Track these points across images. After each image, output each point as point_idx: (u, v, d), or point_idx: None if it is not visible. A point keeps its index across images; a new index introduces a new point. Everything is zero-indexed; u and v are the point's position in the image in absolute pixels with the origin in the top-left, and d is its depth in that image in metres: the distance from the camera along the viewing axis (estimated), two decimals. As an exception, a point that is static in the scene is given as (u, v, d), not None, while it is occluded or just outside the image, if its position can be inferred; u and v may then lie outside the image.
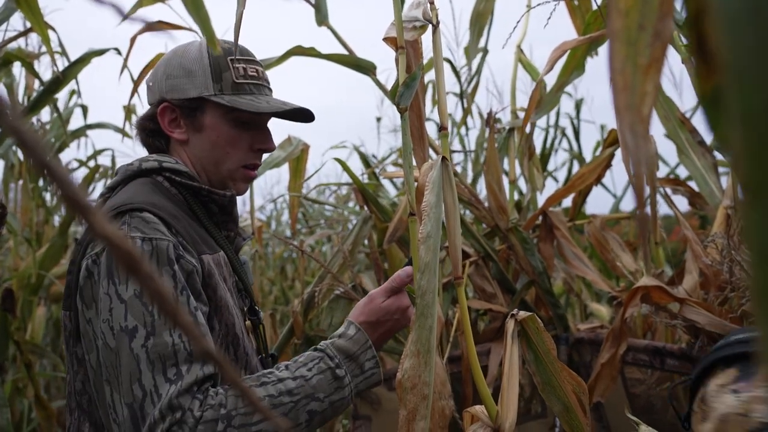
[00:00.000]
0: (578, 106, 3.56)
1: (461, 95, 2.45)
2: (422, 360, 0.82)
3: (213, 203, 1.05)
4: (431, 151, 1.58)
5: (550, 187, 3.95)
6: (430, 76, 2.55)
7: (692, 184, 1.86)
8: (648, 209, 1.63)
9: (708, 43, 0.30)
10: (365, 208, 1.89)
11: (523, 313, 0.91)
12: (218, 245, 1.04)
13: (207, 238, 1.01)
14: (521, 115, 1.95)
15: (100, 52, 2.15)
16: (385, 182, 3.01)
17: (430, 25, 0.97)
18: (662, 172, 3.68)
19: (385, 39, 1.12)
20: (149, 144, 1.09)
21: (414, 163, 1.02)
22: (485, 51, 2.38)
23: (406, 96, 0.98)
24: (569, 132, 3.58)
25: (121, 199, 0.96)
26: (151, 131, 1.08)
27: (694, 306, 1.21)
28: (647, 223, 1.36)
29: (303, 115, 1.12)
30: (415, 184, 0.97)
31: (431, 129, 2.99)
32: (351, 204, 3.79)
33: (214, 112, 1.05)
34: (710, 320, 1.17)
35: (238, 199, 1.13)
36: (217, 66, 1.05)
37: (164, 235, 0.90)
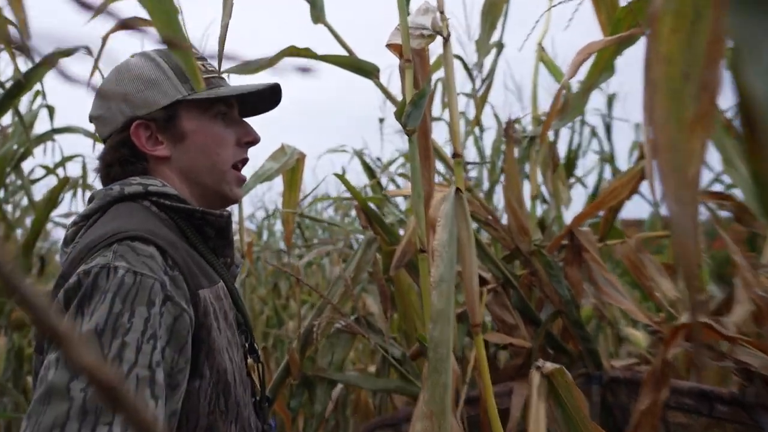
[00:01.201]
0: (610, 102, 3.56)
1: (474, 95, 2.45)
2: (436, 423, 0.81)
3: (208, 226, 1.06)
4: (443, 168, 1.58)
5: (579, 196, 3.92)
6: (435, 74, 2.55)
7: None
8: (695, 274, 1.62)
9: (755, 123, 0.29)
10: (369, 229, 1.89)
11: (549, 365, 0.91)
12: (217, 274, 1.04)
13: (205, 267, 1.02)
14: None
15: (68, 52, 2.16)
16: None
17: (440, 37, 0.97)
18: (707, 177, 3.66)
19: (389, 46, 1.12)
20: (128, 173, 1.09)
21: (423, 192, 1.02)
22: (500, 46, 2.38)
23: (415, 116, 0.98)
24: (600, 131, 3.58)
25: (112, 226, 0.95)
26: (127, 159, 1.08)
27: (746, 346, 1.20)
28: (696, 292, 1.35)
29: (273, 99, 1.19)
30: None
31: (441, 132, 2.99)
32: (354, 214, 3.80)
33: (191, 114, 1.08)
34: (765, 363, 1.17)
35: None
36: (178, 67, 1.09)
37: (152, 271, 0.89)
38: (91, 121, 1.14)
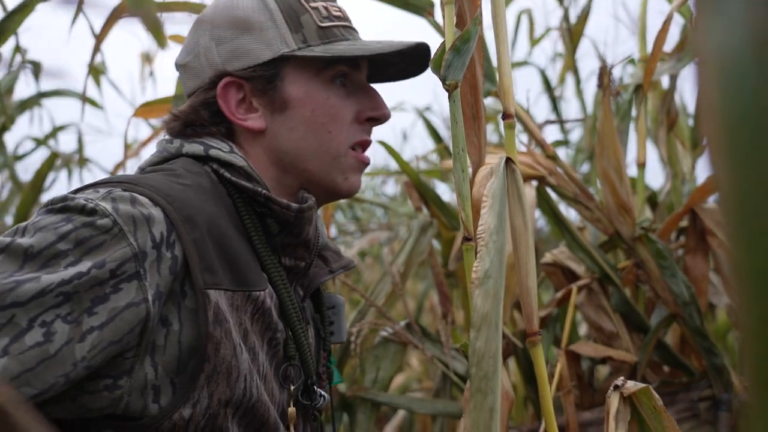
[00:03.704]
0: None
1: (568, 29, 2.43)
2: (479, 457, 0.84)
3: (272, 218, 1.03)
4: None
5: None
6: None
7: None
8: None
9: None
10: (423, 209, 1.92)
11: (631, 385, 0.92)
12: (270, 281, 1.02)
13: (248, 266, 0.99)
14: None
15: (49, -4, 2.26)
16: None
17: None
18: None
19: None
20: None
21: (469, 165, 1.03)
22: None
23: (456, 66, 1.00)
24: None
25: (138, 177, 0.97)
26: (205, 125, 1.07)
27: None
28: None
29: (416, 61, 1.14)
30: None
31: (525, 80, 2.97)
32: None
33: (299, 76, 1.06)
34: None
35: None
36: (290, 10, 1.06)
37: (135, 236, 0.87)
38: (176, 69, 1.14)
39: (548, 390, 0.91)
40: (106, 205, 0.87)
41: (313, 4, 1.07)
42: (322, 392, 1.09)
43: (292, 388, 1.05)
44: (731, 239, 0.24)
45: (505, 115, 0.95)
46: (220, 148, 1.04)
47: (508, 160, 0.92)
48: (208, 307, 0.90)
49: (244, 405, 0.96)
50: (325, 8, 1.08)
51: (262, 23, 1.05)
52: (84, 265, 0.83)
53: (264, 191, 1.01)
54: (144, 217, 0.88)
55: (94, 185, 0.94)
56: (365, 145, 1.11)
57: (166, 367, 0.90)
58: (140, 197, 0.90)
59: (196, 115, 1.06)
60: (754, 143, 0.23)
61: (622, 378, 0.94)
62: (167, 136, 1.10)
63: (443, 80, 1.01)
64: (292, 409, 1.04)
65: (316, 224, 1.07)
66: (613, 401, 0.92)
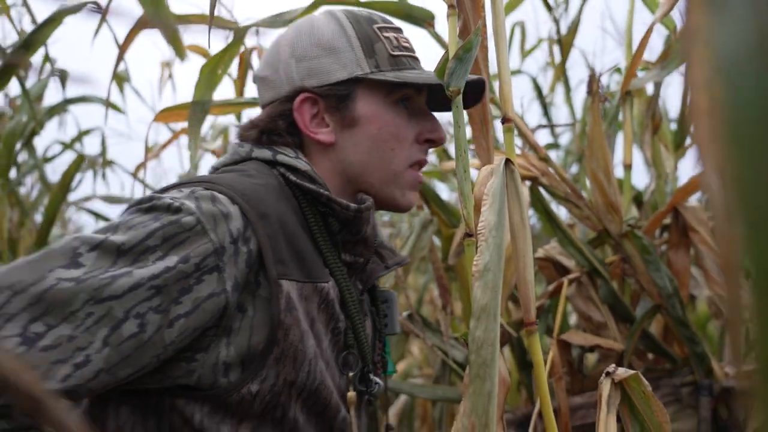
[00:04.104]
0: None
1: (559, 40, 2.42)
2: (478, 438, 0.83)
3: (333, 217, 1.05)
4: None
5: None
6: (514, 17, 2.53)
7: None
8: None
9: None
10: (425, 208, 1.92)
11: (622, 371, 0.91)
12: (332, 275, 1.05)
13: (312, 260, 1.02)
14: (642, 74, 1.91)
15: (75, 9, 2.26)
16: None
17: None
18: None
19: (435, -11, 1.14)
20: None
21: (472, 164, 1.03)
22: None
23: (459, 73, 0.99)
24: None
25: (216, 177, 1.01)
26: (281, 134, 1.09)
27: None
28: None
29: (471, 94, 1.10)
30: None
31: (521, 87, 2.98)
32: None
33: (369, 96, 1.08)
34: None
35: None
36: (366, 37, 1.09)
37: (216, 232, 0.91)
38: (254, 82, 1.17)
39: (544, 376, 0.91)
40: (191, 204, 0.91)
41: (386, 34, 1.11)
42: (377, 379, 1.12)
43: (350, 374, 1.07)
44: (737, 240, 0.23)
45: (505, 120, 0.94)
46: (286, 154, 1.07)
47: (508, 162, 0.92)
48: (280, 296, 0.95)
49: (308, 387, 1.00)
50: (396, 39, 1.12)
51: (341, 47, 1.08)
52: (171, 260, 0.88)
53: (326, 192, 1.04)
54: (223, 215, 0.93)
55: (177, 185, 0.99)
56: (422, 164, 1.13)
57: (238, 348, 0.95)
58: (219, 195, 0.94)
59: (274, 124, 1.10)
60: (761, 143, 0.23)
61: (613, 365, 0.93)
62: (238, 140, 1.14)
63: (447, 87, 1.00)
64: (352, 393, 1.07)
65: (374, 223, 1.10)
66: (605, 387, 0.92)
